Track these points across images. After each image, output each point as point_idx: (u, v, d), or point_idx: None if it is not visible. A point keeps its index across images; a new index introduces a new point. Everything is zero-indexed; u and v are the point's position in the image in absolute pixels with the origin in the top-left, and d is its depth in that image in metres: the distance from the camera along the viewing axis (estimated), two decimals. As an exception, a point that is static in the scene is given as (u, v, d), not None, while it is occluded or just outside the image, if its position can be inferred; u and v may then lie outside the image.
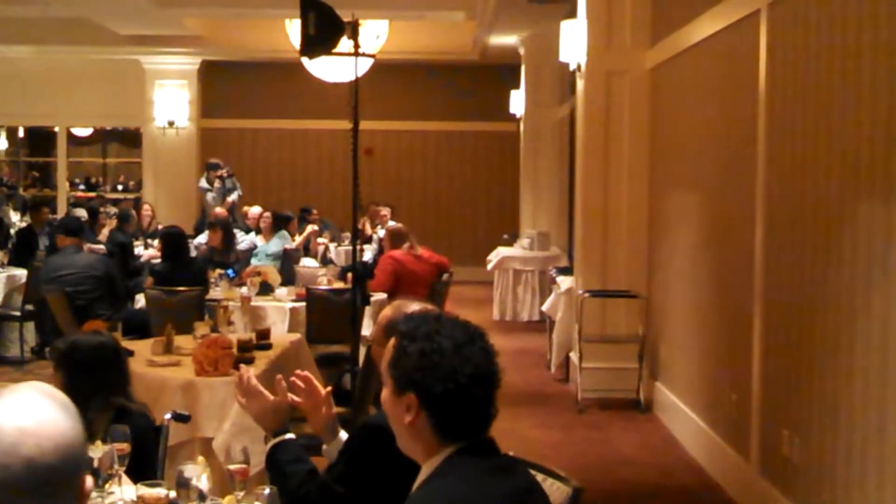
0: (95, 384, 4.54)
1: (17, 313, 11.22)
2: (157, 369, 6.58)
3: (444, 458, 2.57)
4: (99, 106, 18.83)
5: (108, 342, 4.82)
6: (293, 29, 15.87)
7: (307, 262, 12.59)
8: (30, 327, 11.38)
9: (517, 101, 17.22)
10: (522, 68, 16.68)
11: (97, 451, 3.97)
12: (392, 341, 2.68)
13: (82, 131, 20.57)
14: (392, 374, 2.63)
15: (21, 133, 21.48)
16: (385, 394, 2.68)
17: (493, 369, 2.64)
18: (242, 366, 4.25)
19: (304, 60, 15.00)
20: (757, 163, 6.66)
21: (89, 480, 1.89)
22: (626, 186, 10.03)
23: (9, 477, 1.75)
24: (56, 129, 19.55)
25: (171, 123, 18.37)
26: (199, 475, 3.77)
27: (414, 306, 3.75)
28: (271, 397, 3.71)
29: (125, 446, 4.03)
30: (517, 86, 17.20)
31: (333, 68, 14.68)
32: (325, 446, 3.89)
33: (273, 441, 3.66)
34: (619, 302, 9.91)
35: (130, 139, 19.83)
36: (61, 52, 17.92)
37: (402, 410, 2.60)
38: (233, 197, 15.80)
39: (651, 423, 9.20)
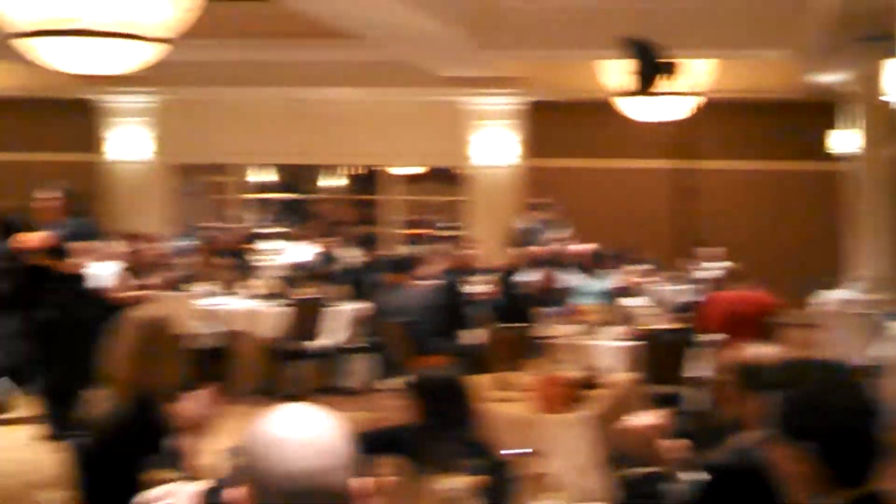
0: (447, 418, 4.68)
1: (358, 346, 11.75)
2: (494, 405, 6.71)
3: None
4: (422, 146, 19.41)
5: (457, 377, 4.97)
6: (608, 69, 15.98)
7: (631, 301, 12.55)
8: (368, 360, 11.85)
9: (838, 140, 16.71)
10: (846, 107, 16.14)
11: (451, 484, 4.08)
12: (763, 395, 2.62)
13: (408, 170, 21.27)
14: (776, 428, 2.56)
15: (351, 172, 22.46)
16: (772, 448, 2.62)
17: (879, 402, 2.55)
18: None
19: (620, 100, 15.17)
20: None
21: (356, 481, 2.09)
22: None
23: (320, 488, 2.00)
24: (382, 168, 20.33)
25: (493, 163, 18.76)
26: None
27: (760, 349, 3.69)
28: (654, 422, 3.69)
29: (478, 480, 4.13)
30: (832, 124, 16.70)
31: (653, 108, 14.71)
32: (665, 486, 3.87)
33: (637, 471, 3.65)
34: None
35: (454, 178, 20.35)
36: (385, 93, 18.61)
37: (792, 462, 2.53)
38: (558, 235, 15.94)
39: None
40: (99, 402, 4.52)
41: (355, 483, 2.10)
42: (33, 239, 9.16)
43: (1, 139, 19.59)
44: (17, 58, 8.96)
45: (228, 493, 2.11)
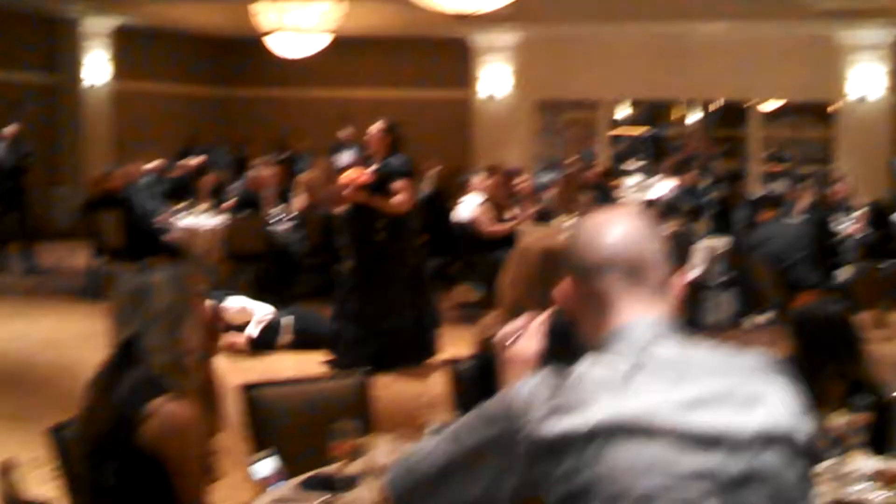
0: (828, 354, 4.61)
1: (721, 281, 11.67)
2: (871, 344, 6.55)
3: None
4: (790, 80, 18.83)
5: (839, 312, 4.89)
6: None
7: None
8: (732, 295, 11.74)
9: None
10: None
11: (836, 421, 4.03)
12: None
13: (772, 105, 20.72)
14: None
15: (710, 107, 22.12)
16: None
17: None
18: None
19: None
20: None
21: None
22: None
23: (635, 257, 2.06)
24: (749, 103, 19.89)
25: (864, 97, 18.01)
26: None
27: None
28: None
29: (864, 417, 4.05)
30: None
31: None
32: None
33: None
34: None
35: (820, 113, 19.69)
36: (754, 26, 18.14)
37: None
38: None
39: None
40: (488, 326, 4.69)
41: (673, 273, 2.12)
42: (352, 176, 9.23)
43: (383, 77, 20.59)
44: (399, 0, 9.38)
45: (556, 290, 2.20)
